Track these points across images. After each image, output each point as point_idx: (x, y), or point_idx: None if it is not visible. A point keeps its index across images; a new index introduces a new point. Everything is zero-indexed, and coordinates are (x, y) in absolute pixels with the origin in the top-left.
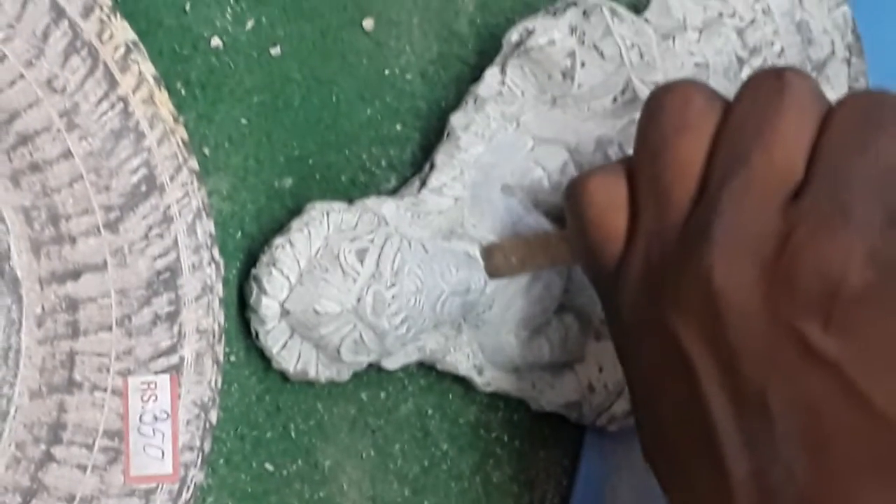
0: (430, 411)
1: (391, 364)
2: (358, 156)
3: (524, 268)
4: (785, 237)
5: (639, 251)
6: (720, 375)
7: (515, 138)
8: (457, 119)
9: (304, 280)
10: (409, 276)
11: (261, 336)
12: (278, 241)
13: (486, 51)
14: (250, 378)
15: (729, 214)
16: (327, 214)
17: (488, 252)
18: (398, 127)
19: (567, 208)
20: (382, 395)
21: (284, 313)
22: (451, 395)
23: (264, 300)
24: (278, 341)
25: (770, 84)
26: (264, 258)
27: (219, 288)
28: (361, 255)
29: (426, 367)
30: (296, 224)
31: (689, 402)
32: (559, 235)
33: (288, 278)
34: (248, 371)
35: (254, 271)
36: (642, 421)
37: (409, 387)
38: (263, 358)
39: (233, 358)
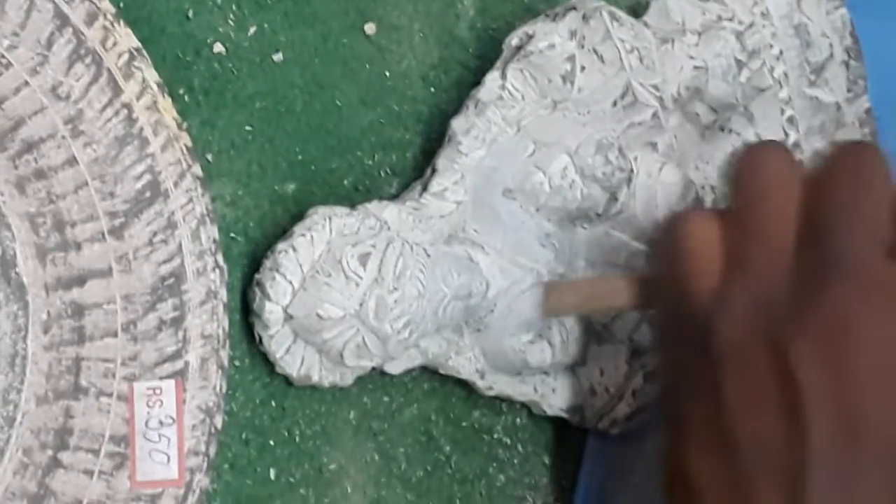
0: (433, 415)
1: (394, 368)
2: (360, 160)
3: (579, 309)
4: None
5: (743, 285)
6: (832, 408)
7: (516, 142)
8: (458, 123)
9: (306, 285)
10: (411, 281)
11: (264, 341)
12: (281, 246)
13: (487, 55)
14: (255, 383)
15: (855, 253)
16: (330, 219)
17: (547, 291)
18: (400, 132)
19: (662, 241)
20: (386, 399)
21: (288, 318)
22: (454, 399)
23: (268, 305)
24: (282, 346)
25: (855, 158)
26: (267, 263)
27: (223, 293)
28: (364, 259)
29: (429, 372)
30: (298, 229)
31: (780, 434)
32: (625, 279)
33: (291, 283)
34: (252, 376)
35: (257, 276)
36: (690, 451)
37: (412, 391)
38: (267, 363)
39: (237, 363)
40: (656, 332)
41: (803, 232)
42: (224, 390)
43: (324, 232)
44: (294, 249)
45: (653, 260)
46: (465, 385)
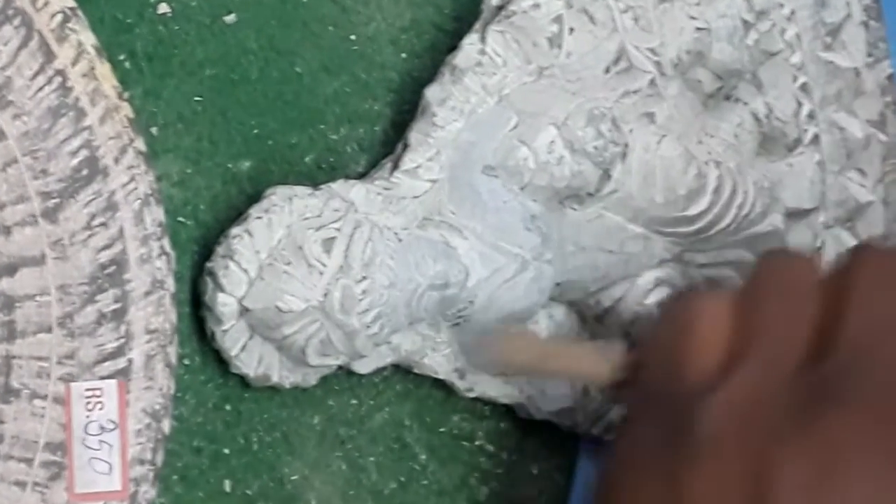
0: (407, 420)
1: (363, 367)
2: (323, 135)
3: (538, 371)
4: None
5: (740, 382)
6: None
7: (497, 113)
8: (432, 93)
9: (264, 274)
10: (380, 269)
11: (217, 337)
12: (235, 230)
13: (465, 16)
14: (207, 384)
15: (872, 386)
16: (290, 200)
17: (507, 339)
18: (367, 102)
19: (667, 315)
20: (354, 402)
21: (243, 311)
22: (430, 402)
23: (220, 297)
24: (237, 342)
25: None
26: (220, 250)
27: (170, 283)
28: (328, 245)
29: (402, 371)
30: (255, 211)
31: None
32: (609, 349)
33: (246, 272)
34: (204, 376)
35: (209, 264)
36: None
37: (383, 393)
38: (221, 361)
39: (187, 361)
40: (627, 405)
41: (815, 344)
42: (172, 392)
43: (283, 215)
44: (250, 234)
45: (648, 334)
46: (442, 386)
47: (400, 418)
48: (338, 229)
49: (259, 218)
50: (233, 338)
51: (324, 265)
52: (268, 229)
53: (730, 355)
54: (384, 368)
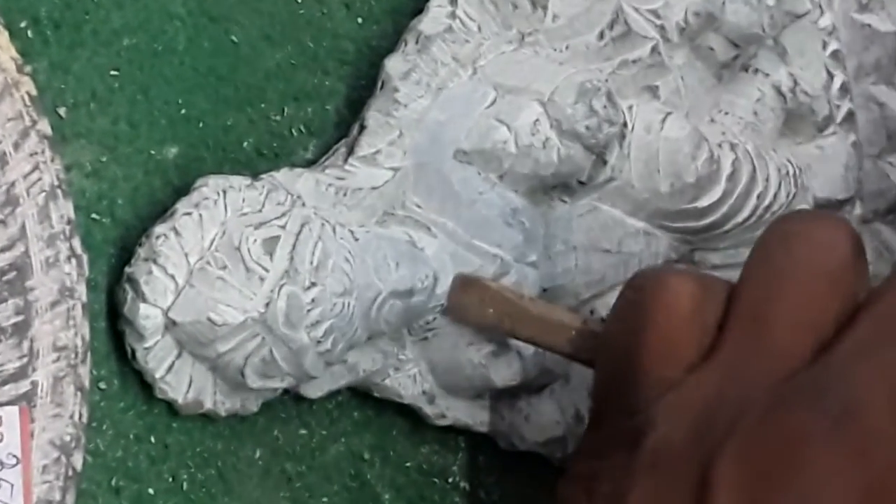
0: (366, 454)
1: (313, 391)
2: (264, 115)
3: (499, 329)
4: None
5: (698, 384)
6: None
7: (471, 88)
8: (393, 64)
9: (194, 280)
10: (333, 274)
11: (139, 355)
12: (160, 229)
13: None
14: (127, 412)
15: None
16: (224, 193)
17: (463, 283)
18: (317, 76)
19: (630, 299)
20: (303, 432)
21: (169, 325)
22: (394, 432)
23: (142, 308)
24: (162, 362)
25: None
26: (142, 252)
27: (81, 291)
28: (270, 245)
29: (361, 395)
30: (182, 206)
31: None
32: (574, 321)
33: (173, 278)
34: (123, 403)
35: (128, 270)
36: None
37: (338, 421)
38: (144, 385)
39: (103, 385)
40: (593, 387)
41: (811, 351)
42: (85, 420)
43: (216, 210)
44: (177, 233)
45: (612, 317)
46: (408, 413)
47: (358, 451)
48: (282, 227)
49: (188, 214)
50: (157, 357)
51: (265, 270)
52: (198, 227)
53: (701, 354)
54: (338, 392)
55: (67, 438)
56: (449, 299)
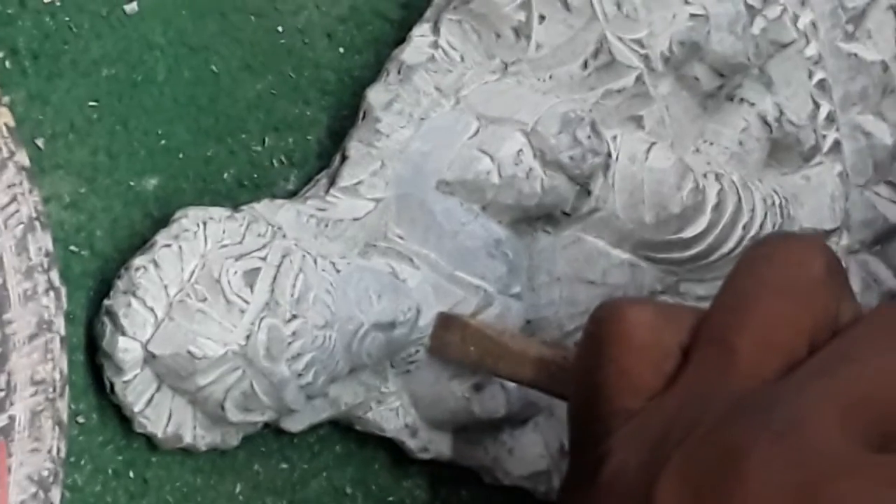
0: (348, 488)
1: (294, 424)
2: (245, 146)
3: (480, 366)
4: None
5: (666, 408)
6: None
7: (454, 119)
8: (375, 94)
9: (173, 313)
10: (314, 306)
11: (117, 389)
12: (139, 261)
13: (414, 3)
14: (106, 446)
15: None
16: (204, 224)
17: (444, 322)
18: (298, 107)
19: (591, 329)
20: (285, 466)
21: (149, 358)
22: (376, 466)
23: (121, 341)
24: (141, 396)
25: None
26: (120, 284)
27: (60, 325)
28: (250, 278)
29: (342, 429)
30: (162, 238)
31: None
32: (539, 351)
33: (152, 311)
34: (102, 437)
35: (107, 302)
36: None
37: (320, 455)
38: (123, 419)
39: (81, 419)
40: (567, 422)
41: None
42: (64, 455)
43: (196, 242)
44: (156, 265)
45: (577, 351)
46: (391, 446)
47: (340, 485)
48: (262, 259)
49: (167, 246)
50: (136, 390)
51: (246, 302)
52: (178, 259)
53: (664, 382)
54: (320, 426)
55: (45, 473)
56: (431, 338)
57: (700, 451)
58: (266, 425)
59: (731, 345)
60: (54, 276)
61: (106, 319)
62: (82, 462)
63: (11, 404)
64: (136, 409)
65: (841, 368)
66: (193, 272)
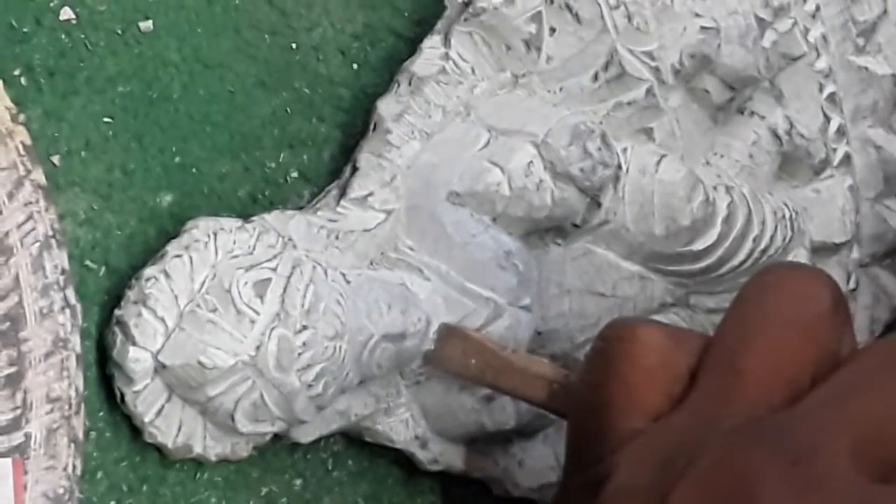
0: (361, 503)
1: (304, 435)
2: (259, 163)
3: (480, 380)
4: None
5: (673, 429)
6: None
7: (465, 131)
8: (386, 106)
9: (184, 323)
10: (324, 317)
11: (128, 399)
12: (150, 271)
13: (427, 20)
14: (120, 463)
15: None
16: (215, 235)
17: (447, 335)
18: (312, 123)
19: (600, 346)
20: (298, 482)
21: (160, 368)
22: (389, 482)
23: (132, 351)
24: (151, 406)
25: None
26: (131, 295)
27: (75, 341)
28: (261, 288)
29: (356, 445)
30: (173, 248)
31: None
32: (548, 372)
33: (163, 321)
34: (117, 453)
35: (118, 312)
36: None
37: (333, 471)
38: (137, 434)
39: (96, 435)
40: (566, 438)
41: (785, 400)
42: (79, 472)
43: (207, 252)
44: (167, 276)
45: (583, 368)
46: (403, 462)
47: (353, 501)
48: (273, 269)
49: (178, 256)
50: (146, 400)
51: (256, 312)
52: (189, 270)
53: (670, 404)
54: (333, 441)
55: (61, 491)
56: (433, 351)
57: (713, 475)
58: (277, 437)
59: (739, 371)
60: (70, 293)
61: (116, 329)
62: (97, 478)
63: (27, 422)
64: (147, 420)
65: (851, 400)
66: (204, 282)
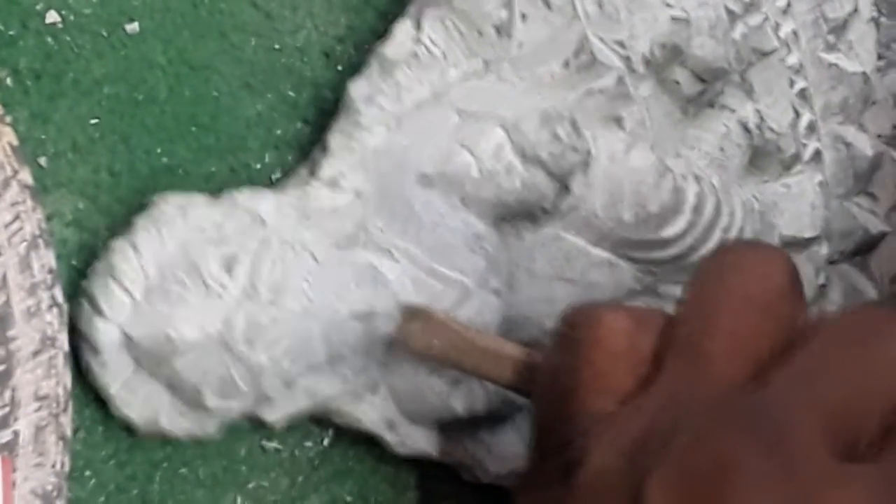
0: (348, 499)
1: (271, 413)
2: (245, 164)
3: (444, 360)
4: None
5: (643, 412)
6: None
7: (435, 114)
8: (357, 88)
9: (151, 296)
10: (293, 294)
11: (94, 371)
12: (117, 243)
13: None
14: (108, 461)
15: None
16: (184, 210)
17: (411, 315)
18: (296, 125)
19: (565, 332)
20: (285, 480)
21: (126, 340)
22: (377, 479)
23: (98, 322)
24: (117, 378)
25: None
26: (99, 266)
27: (63, 340)
28: (230, 263)
29: (343, 442)
30: (141, 222)
31: None
32: (515, 353)
33: (130, 293)
34: (105, 451)
35: (84, 283)
36: None
37: (320, 468)
38: (126, 433)
39: (84, 434)
40: (531, 420)
41: (749, 374)
42: (67, 469)
43: (176, 227)
44: (135, 249)
45: (548, 352)
46: (391, 459)
47: (340, 498)
48: (242, 245)
49: (146, 230)
50: (113, 372)
51: (224, 287)
52: (157, 243)
53: (637, 384)
54: (320, 439)
55: (49, 488)
56: (396, 331)
57: (689, 459)
58: (254, 426)
59: (705, 352)
60: (57, 292)
61: (83, 301)
62: (85, 476)
63: (16, 420)
64: (112, 392)
65: (818, 379)
66: (172, 256)
